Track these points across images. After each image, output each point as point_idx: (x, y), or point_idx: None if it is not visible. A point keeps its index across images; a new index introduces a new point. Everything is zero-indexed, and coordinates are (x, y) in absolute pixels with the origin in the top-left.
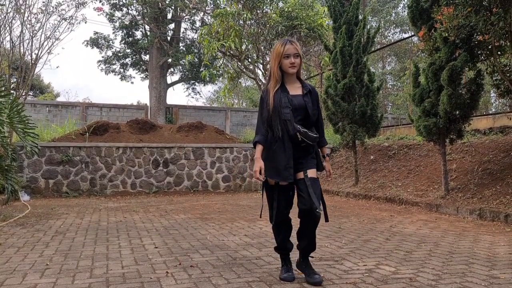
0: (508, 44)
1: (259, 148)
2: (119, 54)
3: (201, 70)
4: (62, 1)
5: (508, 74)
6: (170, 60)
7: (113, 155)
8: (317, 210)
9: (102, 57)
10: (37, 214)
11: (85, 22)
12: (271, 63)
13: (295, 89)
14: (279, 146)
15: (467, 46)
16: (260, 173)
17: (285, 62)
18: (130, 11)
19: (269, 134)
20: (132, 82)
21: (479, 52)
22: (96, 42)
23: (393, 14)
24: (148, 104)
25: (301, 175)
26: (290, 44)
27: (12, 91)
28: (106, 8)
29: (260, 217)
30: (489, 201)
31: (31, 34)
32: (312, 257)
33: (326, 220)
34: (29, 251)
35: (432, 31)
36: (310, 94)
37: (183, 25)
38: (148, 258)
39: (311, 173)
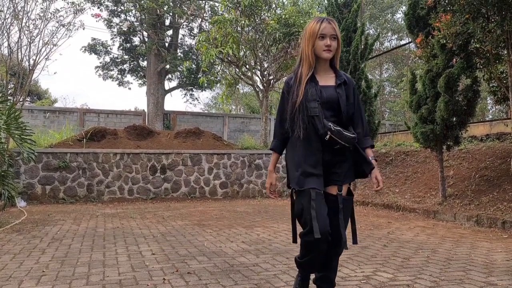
0: (505, 52)
1: (274, 157)
2: (117, 60)
3: (199, 76)
4: (60, 8)
5: (504, 81)
6: (168, 66)
7: (110, 161)
8: (345, 244)
9: (100, 63)
10: (34, 221)
11: (83, 28)
12: (302, 44)
13: (326, 79)
14: (305, 147)
15: (464, 53)
16: (271, 190)
17: (319, 44)
18: (128, 18)
19: (293, 135)
20: (129, 88)
21: (476, 59)
22: (94, 48)
23: (391, 21)
24: (146, 110)
25: (333, 190)
26: (328, 22)
27: (9, 97)
28: (104, 14)
29: (295, 241)
30: (486, 208)
31: (29, 40)
32: None
33: (355, 241)
34: (25, 258)
35: (430, 38)
36: (345, 86)
37: (181, 31)
38: (145, 265)
39: (345, 190)
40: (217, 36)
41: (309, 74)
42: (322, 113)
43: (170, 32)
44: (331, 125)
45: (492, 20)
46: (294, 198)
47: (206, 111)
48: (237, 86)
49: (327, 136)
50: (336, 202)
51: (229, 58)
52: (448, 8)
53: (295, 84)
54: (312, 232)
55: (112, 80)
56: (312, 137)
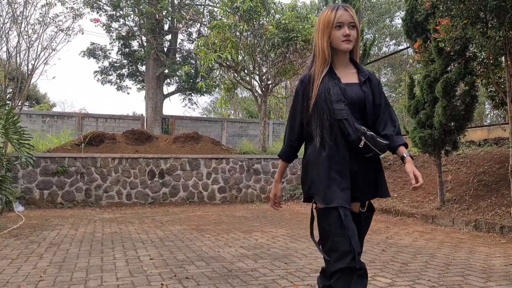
0: (503, 57)
1: (281, 166)
2: (115, 65)
3: (197, 81)
4: (59, 13)
5: (502, 86)
6: (166, 71)
7: (108, 166)
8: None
9: (99, 67)
10: (32, 225)
11: (82, 33)
12: (315, 38)
13: (348, 75)
14: (329, 156)
15: (461, 58)
16: (276, 201)
17: (337, 35)
18: (127, 22)
19: (313, 142)
20: (128, 93)
21: (474, 64)
22: (92, 52)
23: (389, 27)
24: (144, 115)
25: (355, 207)
26: (344, 9)
27: (8, 102)
28: (103, 19)
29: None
30: (484, 213)
31: (28, 44)
32: None
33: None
34: (22, 263)
35: (428, 43)
36: (369, 83)
37: (180, 36)
38: (143, 270)
39: (368, 207)
40: (215, 41)
41: (324, 71)
42: (351, 115)
43: (169, 37)
44: (365, 129)
45: (491, 25)
46: (316, 214)
47: (204, 116)
48: (236, 91)
49: (362, 143)
50: (358, 220)
51: (228, 63)
52: (446, 14)
53: (309, 83)
54: (347, 257)
55: (111, 85)
56: (339, 144)
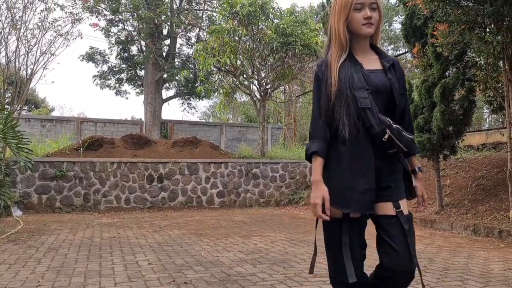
0: (501, 62)
1: (318, 162)
2: (114, 69)
3: (196, 85)
4: (59, 17)
5: (500, 91)
6: (165, 75)
7: (107, 170)
8: (413, 270)
9: (98, 72)
10: (30, 230)
11: (81, 38)
12: (331, 20)
13: (370, 62)
14: (350, 151)
15: (460, 63)
16: (324, 209)
17: (356, 17)
18: (126, 27)
19: (332, 134)
20: (127, 98)
21: (472, 69)
22: (91, 57)
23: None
24: (143, 119)
25: (387, 208)
26: None
27: (6, 106)
28: (102, 23)
29: (311, 272)
30: (483, 217)
31: (27, 49)
32: None
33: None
34: (20, 268)
35: (426, 47)
36: (394, 70)
37: (179, 41)
38: (141, 275)
39: (405, 207)
40: (214, 45)
41: (342, 58)
42: (374, 105)
43: (168, 42)
44: (390, 121)
45: (489, 30)
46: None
47: (203, 120)
48: (235, 95)
49: (386, 136)
50: (398, 225)
51: (227, 68)
52: (445, 19)
53: (326, 70)
54: (340, 278)
55: (110, 89)
56: (361, 137)
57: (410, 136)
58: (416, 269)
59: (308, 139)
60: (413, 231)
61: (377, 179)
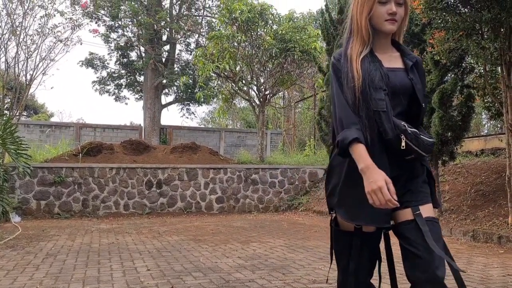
0: (499, 68)
1: (362, 148)
2: (113, 75)
3: (195, 91)
4: (58, 23)
5: (498, 97)
6: (164, 81)
7: (106, 176)
8: (441, 279)
9: (97, 77)
10: (28, 236)
11: (81, 44)
12: (352, 11)
13: (390, 59)
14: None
15: (458, 69)
16: (390, 191)
17: (379, 11)
18: (125, 33)
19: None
20: (126, 103)
21: (470, 76)
22: (91, 62)
23: None
24: (142, 125)
25: (405, 214)
26: None
27: (5, 112)
28: (102, 29)
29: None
30: (482, 223)
31: (26, 55)
32: None
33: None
34: (19, 274)
35: (424, 54)
36: (417, 69)
37: (178, 46)
38: (140, 281)
39: (427, 210)
40: (214, 51)
41: (363, 53)
42: (390, 107)
43: (167, 47)
44: (406, 125)
45: (486, 36)
46: (333, 225)
47: (202, 126)
48: (234, 101)
49: (403, 143)
50: (417, 228)
51: (226, 73)
52: (442, 25)
53: (346, 63)
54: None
55: (109, 95)
56: (374, 142)
57: (430, 140)
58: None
59: (335, 129)
60: (437, 234)
61: (397, 185)
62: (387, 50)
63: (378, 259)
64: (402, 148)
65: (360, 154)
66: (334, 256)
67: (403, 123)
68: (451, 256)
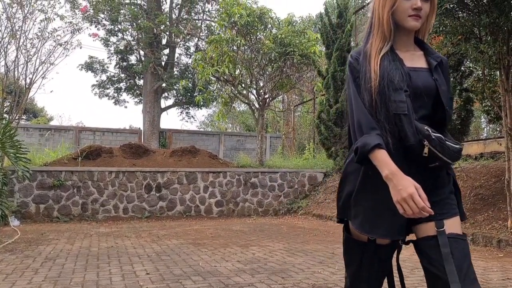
0: (498, 72)
1: (385, 154)
2: (113, 79)
3: (195, 94)
4: (58, 27)
5: (497, 101)
6: (164, 84)
7: (105, 179)
8: None
9: (97, 81)
10: (27, 240)
11: (80, 48)
12: (374, 5)
13: (412, 58)
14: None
15: (456, 73)
16: (421, 198)
17: (403, 6)
18: (125, 37)
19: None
20: (125, 107)
21: (468, 80)
22: (90, 66)
23: None
24: (142, 128)
25: (427, 229)
26: None
27: (5, 115)
28: (102, 33)
29: None
30: (481, 226)
31: (26, 59)
32: None
33: None
34: (17, 278)
35: None
36: (442, 69)
37: (178, 50)
38: (139, 285)
39: (453, 225)
40: (213, 55)
41: (384, 50)
42: (412, 110)
43: (166, 51)
44: (429, 130)
45: (484, 41)
46: (345, 232)
47: (202, 129)
48: (233, 105)
49: (426, 150)
50: (438, 248)
51: (225, 77)
52: (441, 29)
53: (365, 61)
54: None
55: (108, 99)
56: (394, 148)
57: (457, 146)
58: None
59: (352, 134)
60: (462, 253)
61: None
62: (409, 48)
63: (389, 272)
64: (424, 155)
65: (384, 160)
66: (345, 266)
67: (426, 127)
68: (475, 278)
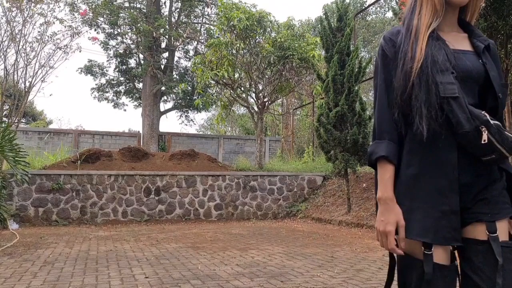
0: None
1: (388, 171)
2: (112, 82)
3: (194, 98)
4: (58, 31)
5: None
6: (163, 88)
7: (104, 183)
8: None
9: (96, 84)
10: (26, 243)
11: (80, 51)
12: None
13: (456, 40)
14: (424, 159)
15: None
16: (397, 240)
17: None
18: (124, 40)
19: (408, 132)
20: (125, 110)
21: None
22: (90, 69)
23: None
24: (141, 132)
25: (477, 231)
26: None
27: (4, 119)
28: (101, 36)
29: None
30: None
31: (26, 62)
32: None
33: None
34: (16, 282)
35: None
36: (489, 53)
37: (177, 54)
38: None
39: (505, 230)
40: (212, 58)
41: (433, 26)
42: (463, 95)
43: (166, 55)
44: (487, 115)
45: None
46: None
47: (201, 133)
48: (233, 108)
49: (485, 137)
50: (488, 255)
51: (224, 81)
52: None
53: (406, 40)
54: None
55: (108, 102)
56: (441, 138)
57: None
58: None
59: (373, 138)
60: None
61: (463, 197)
62: (452, 29)
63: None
64: (483, 142)
65: (383, 179)
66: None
67: (483, 112)
68: None
